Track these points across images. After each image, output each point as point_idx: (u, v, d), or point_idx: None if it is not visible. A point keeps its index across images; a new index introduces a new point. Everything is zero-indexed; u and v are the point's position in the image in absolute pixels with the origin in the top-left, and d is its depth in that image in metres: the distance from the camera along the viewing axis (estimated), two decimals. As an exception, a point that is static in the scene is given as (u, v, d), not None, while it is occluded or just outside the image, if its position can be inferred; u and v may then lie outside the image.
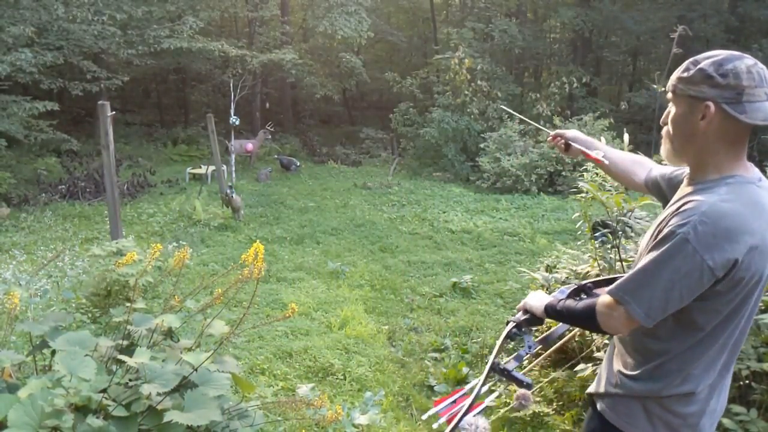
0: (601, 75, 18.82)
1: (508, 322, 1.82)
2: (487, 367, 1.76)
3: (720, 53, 1.36)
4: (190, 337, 2.17)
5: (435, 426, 2.11)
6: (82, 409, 1.58)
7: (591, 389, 1.64)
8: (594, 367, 2.83)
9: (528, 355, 1.87)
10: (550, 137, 1.98)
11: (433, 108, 14.21)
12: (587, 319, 1.50)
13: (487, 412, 3.31)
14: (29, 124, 10.30)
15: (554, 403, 3.17)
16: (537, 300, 1.74)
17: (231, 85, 11.70)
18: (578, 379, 3.00)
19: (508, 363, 1.81)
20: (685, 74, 1.36)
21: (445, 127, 13.31)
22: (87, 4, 10.11)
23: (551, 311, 1.66)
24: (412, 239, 7.79)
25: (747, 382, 2.34)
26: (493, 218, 9.13)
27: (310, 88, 17.13)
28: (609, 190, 3.31)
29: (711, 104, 1.32)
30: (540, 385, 3.31)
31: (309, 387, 3.26)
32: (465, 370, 3.80)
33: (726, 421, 2.16)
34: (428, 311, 5.21)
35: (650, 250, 1.36)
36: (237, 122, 11.13)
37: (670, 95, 1.43)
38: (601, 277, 2.05)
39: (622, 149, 2.16)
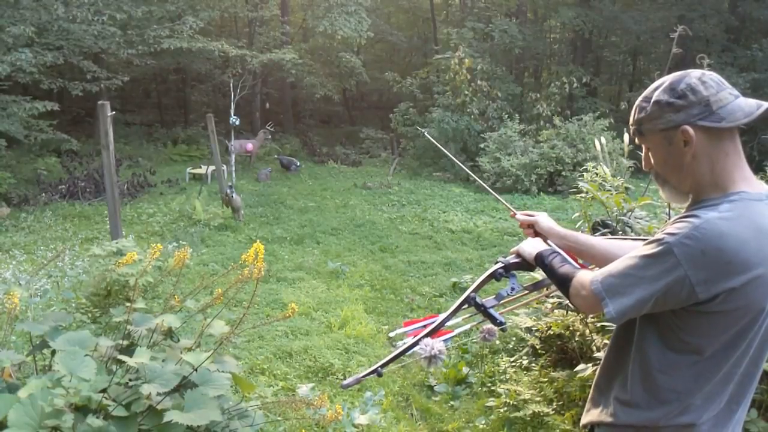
0: (601, 75, 18.84)
1: (497, 262, 1.77)
2: (462, 296, 1.73)
3: (664, 79, 1.32)
4: (190, 337, 2.17)
5: (399, 343, 2.05)
6: (82, 409, 1.58)
7: (585, 419, 1.55)
8: (594, 367, 2.83)
9: (508, 297, 1.83)
10: (513, 215, 1.87)
11: (433, 108, 14.21)
12: (561, 285, 1.48)
13: (487, 412, 3.31)
14: (29, 124, 10.30)
15: (554, 403, 3.17)
16: (531, 246, 1.68)
17: (231, 85, 11.69)
18: (578, 379, 3.00)
19: (488, 300, 1.77)
20: (644, 114, 1.33)
21: (445, 127, 13.31)
22: (87, 4, 10.11)
23: (539, 261, 1.61)
24: (412, 239, 7.79)
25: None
26: (493, 218, 9.13)
27: (310, 88, 17.13)
28: (609, 190, 3.31)
29: (687, 127, 1.26)
30: (540, 384, 3.32)
31: (309, 387, 3.26)
32: (465, 370, 3.80)
33: (726, 421, 2.16)
34: (428, 311, 5.21)
35: (640, 251, 1.30)
36: (237, 122, 11.13)
37: (637, 140, 1.39)
38: (616, 237, 1.96)
39: (622, 149, 2.15)
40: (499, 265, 1.75)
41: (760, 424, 2.14)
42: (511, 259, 1.76)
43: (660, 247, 1.24)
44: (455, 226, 8.43)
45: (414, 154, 14.77)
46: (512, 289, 1.77)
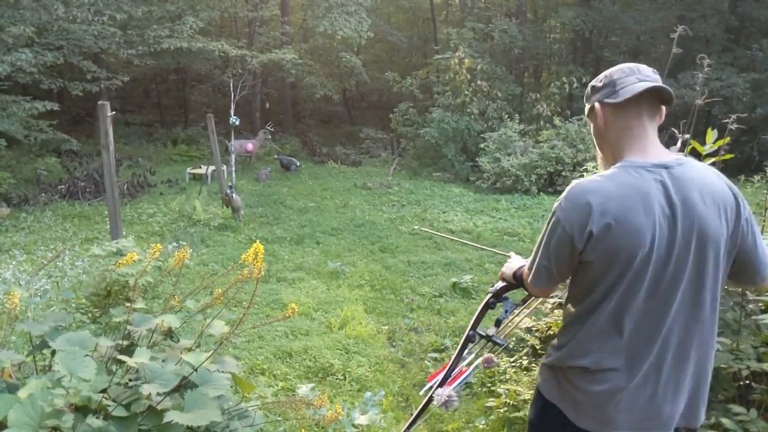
0: (601, 75, 18.84)
1: (488, 293, 1.95)
2: (463, 337, 1.93)
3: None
4: (190, 337, 2.17)
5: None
6: (82, 409, 1.57)
7: None
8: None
9: (507, 318, 2.02)
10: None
11: (433, 108, 14.21)
12: (521, 284, 1.76)
13: (487, 413, 3.32)
14: (29, 124, 10.31)
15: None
16: (509, 267, 1.91)
17: (231, 85, 11.70)
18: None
19: (489, 329, 1.95)
20: (584, 98, 1.61)
21: (445, 127, 13.31)
22: (87, 4, 10.11)
23: (516, 278, 1.85)
24: (412, 239, 7.79)
25: (747, 382, 2.34)
26: (493, 218, 9.13)
27: (310, 88, 17.14)
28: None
29: (596, 104, 1.54)
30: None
31: (309, 387, 3.25)
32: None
33: (726, 421, 2.16)
34: (428, 311, 5.21)
35: None
36: (237, 122, 11.13)
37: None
38: None
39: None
40: (488, 296, 1.94)
41: (759, 424, 2.14)
42: (498, 285, 1.94)
43: (551, 214, 1.50)
44: (455, 226, 8.44)
45: (414, 154, 14.77)
46: (506, 311, 1.95)
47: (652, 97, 1.48)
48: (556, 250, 1.49)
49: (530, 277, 1.59)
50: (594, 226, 1.39)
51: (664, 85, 1.46)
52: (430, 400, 1.88)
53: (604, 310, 1.47)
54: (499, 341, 1.90)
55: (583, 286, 1.50)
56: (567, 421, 1.55)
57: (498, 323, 1.98)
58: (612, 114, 1.52)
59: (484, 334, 1.92)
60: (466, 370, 2.00)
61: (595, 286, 1.47)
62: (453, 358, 1.93)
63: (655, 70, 1.52)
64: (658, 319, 1.45)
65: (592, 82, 1.58)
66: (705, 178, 1.45)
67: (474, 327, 1.94)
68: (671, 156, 1.48)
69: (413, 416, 2.02)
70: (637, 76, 1.47)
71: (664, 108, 1.53)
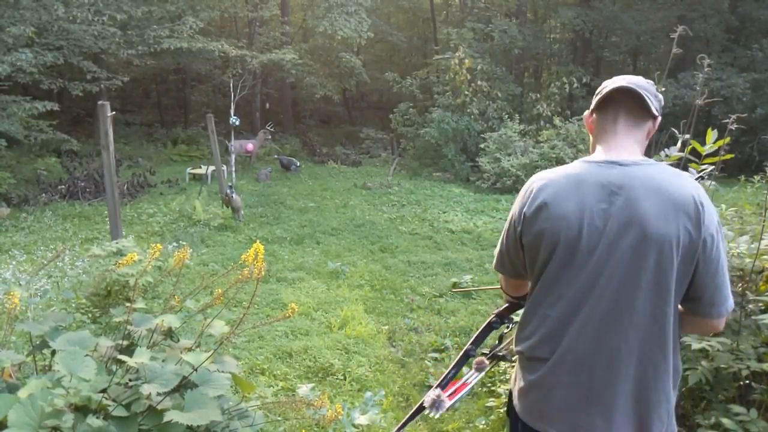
0: (601, 75, 18.79)
1: (492, 314, 1.98)
2: (461, 352, 2.02)
3: None
4: (190, 337, 2.17)
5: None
6: (82, 409, 1.57)
7: None
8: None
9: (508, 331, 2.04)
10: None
11: (433, 108, 14.21)
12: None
13: (487, 413, 3.32)
14: (29, 124, 10.30)
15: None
16: None
17: (231, 85, 11.70)
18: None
19: (494, 346, 2.03)
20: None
21: (445, 128, 13.31)
22: (87, 4, 10.11)
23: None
24: (412, 239, 7.79)
25: (747, 382, 2.34)
26: (493, 218, 9.13)
27: (310, 88, 17.14)
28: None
29: (588, 113, 1.60)
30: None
31: (309, 387, 3.25)
32: (465, 370, 3.80)
33: (726, 421, 2.16)
34: (428, 311, 5.21)
35: None
36: (237, 122, 11.13)
37: None
38: None
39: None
40: (492, 317, 1.97)
41: (760, 424, 2.14)
42: (502, 308, 1.96)
43: None
44: (455, 226, 8.44)
45: (414, 154, 14.77)
46: (508, 326, 1.99)
47: (630, 101, 1.48)
48: (505, 234, 1.60)
49: (494, 262, 1.71)
50: (527, 207, 1.48)
51: (631, 86, 1.46)
52: (422, 405, 1.90)
53: (534, 297, 1.53)
54: (507, 356, 1.94)
55: (527, 270, 1.58)
56: (514, 408, 1.60)
57: (500, 340, 2.03)
58: (595, 117, 1.57)
59: (491, 353, 1.98)
60: (468, 383, 2.00)
61: (531, 272, 1.54)
62: (450, 369, 1.99)
63: (651, 83, 1.52)
64: (575, 308, 1.43)
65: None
66: (664, 180, 1.40)
67: (474, 343, 1.98)
68: (637, 158, 1.47)
69: (404, 419, 2.03)
70: (622, 82, 1.49)
71: (652, 120, 1.51)
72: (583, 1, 16.67)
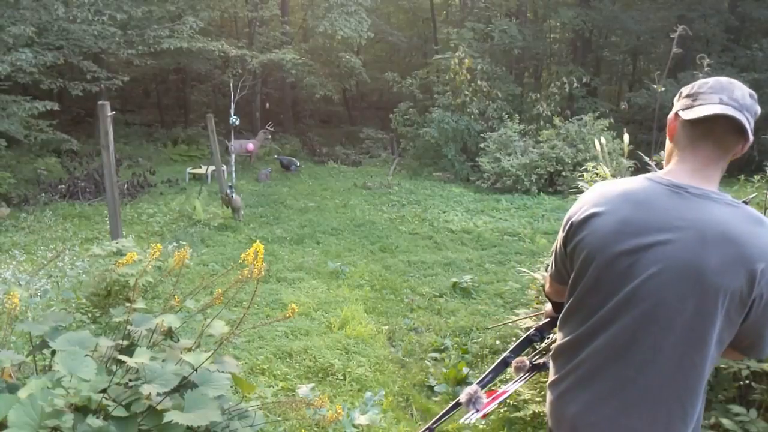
0: (601, 75, 18.86)
1: (533, 327, 1.99)
2: (498, 360, 2.02)
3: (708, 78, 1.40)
4: (190, 337, 2.17)
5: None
6: (82, 409, 1.58)
7: None
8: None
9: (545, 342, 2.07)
10: None
11: (433, 108, 14.21)
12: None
13: (487, 413, 3.31)
14: (29, 124, 10.30)
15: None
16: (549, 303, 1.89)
17: (231, 85, 11.69)
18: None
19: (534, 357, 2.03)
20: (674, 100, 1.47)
21: (445, 127, 13.31)
22: (87, 4, 10.10)
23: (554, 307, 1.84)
24: (412, 239, 7.79)
25: (747, 382, 2.34)
26: (493, 218, 9.13)
27: (310, 88, 17.13)
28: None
29: (672, 115, 1.41)
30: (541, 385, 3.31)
31: (309, 387, 3.26)
32: (465, 370, 3.80)
33: (726, 421, 2.16)
34: (428, 311, 5.21)
35: None
36: (237, 122, 11.13)
37: None
38: None
39: (622, 149, 2.18)
40: (532, 331, 1.98)
41: (760, 424, 2.14)
42: (542, 322, 1.97)
43: None
44: (455, 226, 8.43)
45: (414, 154, 14.77)
46: (543, 337, 2.01)
47: (727, 125, 1.29)
48: (557, 239, 1.53)
49: (547, 272, 1.66)
50: (576, 216, 1.42)
51: (734, 115, 1.27)
52: (458, 403, 1.90)
53: (567, 309, 1.50)
54: (543, 363, 1.96)
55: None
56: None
57: (531, 346, 2.07)
58: (681, 127, 1.38)
59: (532, 363, 1.98)
60: (506, 391, 2.00)
61: (568, 281, 1.49)
62: (488, 373, 2.00)
63: (754, 95, 1.33)
64: (597, 330, 1.38)
65: (683, 88, 1.42)
66: (736, 227, 1.25)
67: (513, 352, 1.99)
68: (712, 188, 1.32)
69: (440, 414, 2.05)
70: (720, 96, 1.30)
71: (744, 143, 1.33)
72: (583, 1, 16.66)
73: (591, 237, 1.36)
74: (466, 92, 13.61)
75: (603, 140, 4.15)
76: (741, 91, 1.31)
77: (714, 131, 1.31)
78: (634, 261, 1.29)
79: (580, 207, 1.43)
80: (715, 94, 1.30)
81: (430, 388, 3.75)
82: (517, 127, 12.86)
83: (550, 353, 1.56)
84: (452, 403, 1.98)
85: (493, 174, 11.78)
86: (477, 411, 1.77)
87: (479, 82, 13.86)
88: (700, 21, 15.22)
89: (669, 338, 1.29)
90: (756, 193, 2.41)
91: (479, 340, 4.40)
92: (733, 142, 1.32)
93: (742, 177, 3.20)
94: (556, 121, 12.60)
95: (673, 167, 1.37)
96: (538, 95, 14.53)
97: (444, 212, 9.46)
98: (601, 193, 1.40)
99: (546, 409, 1.55)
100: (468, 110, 13.63)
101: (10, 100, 9.59)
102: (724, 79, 1.34)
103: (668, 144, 1.43)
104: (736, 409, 2.20)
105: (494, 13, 17.88)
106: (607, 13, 16.08)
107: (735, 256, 1.23)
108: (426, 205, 10.00)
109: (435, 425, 1.98)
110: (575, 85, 14.33)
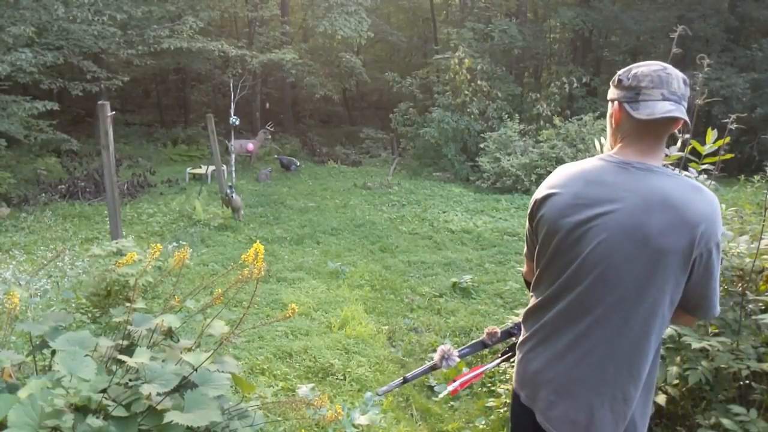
0: (601, 75, 18.83)
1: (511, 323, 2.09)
2: (477, 340, 2.11)
3: (640, 64, 1.49)
4: (190, 337, 2.17)
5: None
6: (82, 409, 1.58)
7: None
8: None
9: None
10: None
11: (433, 108, 14.21)
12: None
13: (487, 413, 3.32)
14: (29, 124, 10.30)
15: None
16: None
17: (231, 85, 11.70)
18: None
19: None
20: (611, 82, 1.56)
21: (445, 127, 13.31)
22: (87, 4, 10.10)
23: None
24: (412, 239, 7.79)
25: (747, 382, 2.34)
26: (493, 218, 9.13)
27: (310, 88, 17.14)
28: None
29: (616, 103, 1.50)
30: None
31: (309, 387, 3.26)
32: (465, 370, 3.80)
33: (726, 421, 2.16)
34: (428, 311, 5.21)
35: None
36: (237, 122, 11.13)
37: None
38: None
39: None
40: (510, 323, 2.07)
41: (760, 424, 2.13)
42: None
43: None
44: (455, 226, 8.43)
45: (414, 154, 14.77)
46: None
47: (670, 120, 1.43)
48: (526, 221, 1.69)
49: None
50: (538, 194, 1.58)
51: (681, 116, 1.40)
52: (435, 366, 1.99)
53: (532, 284, 1.67)
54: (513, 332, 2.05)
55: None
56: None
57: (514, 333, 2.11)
58: (626, 118, 1.48)
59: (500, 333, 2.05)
60: (479, 367, 2.09)
61: (534, 257, 1.64)
62: (465, 347, 2.09)
63: (686, 80, 1.46)
64: (557, 296, 1.53)
65: (620, 74, 1.50)
66: (678, 194, 1.39)
67: (491, 341, 2.09)
68: (655, 163, 1.46)
69: (415, 370, 2.08)
70: (662, 92, 1.41)
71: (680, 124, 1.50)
72: (583, 1, 16.67)
73: (549, 212, 1.52)
74: (466, 92, 13.61)
75: (603, 140, 4.16)
76: (677, 80, 1.43)
77: (658, 127, 1.45)
78: (586, 230, 1.44)
79: (542, 187, 1.59)
80: (657, 89, 1.41)
81: (430, 388, 3.75)
82: (517, 127, 12.86)
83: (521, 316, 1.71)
84: (429, 364, 2.05)
85: (493, 174, 11.77)
86: (449, 366, 1.95)
87: (479, 82, 13.86)
88: (699, 21, 15.22)
89: (618, 296, 1.42)
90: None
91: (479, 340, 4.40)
92: (672, 128, 1.47)
93: (743, 177, 3.20)
94: (556, 121, 12.60)
95: (620, 150, 1.50)
96: (538, 95, 14.53)
97: (444, 212, 9.46)
98: (558, 174, 1.56)
99: (514, 369, 1.69)
100: (468, 110, 13.63)
101: (10, 100, 9.59)
102: (658, 68, 1.44)
103: (611, 127, 1.55)
104: (736, 409, 2.19)
105: (494, 13, 17.88)
106: (607, 13, 16.08)
107: (676, 219, 1.36)
108: (426, 205, 10.00)
109: (411, 379, 2.06)
110: (575, 85, 14.34)
